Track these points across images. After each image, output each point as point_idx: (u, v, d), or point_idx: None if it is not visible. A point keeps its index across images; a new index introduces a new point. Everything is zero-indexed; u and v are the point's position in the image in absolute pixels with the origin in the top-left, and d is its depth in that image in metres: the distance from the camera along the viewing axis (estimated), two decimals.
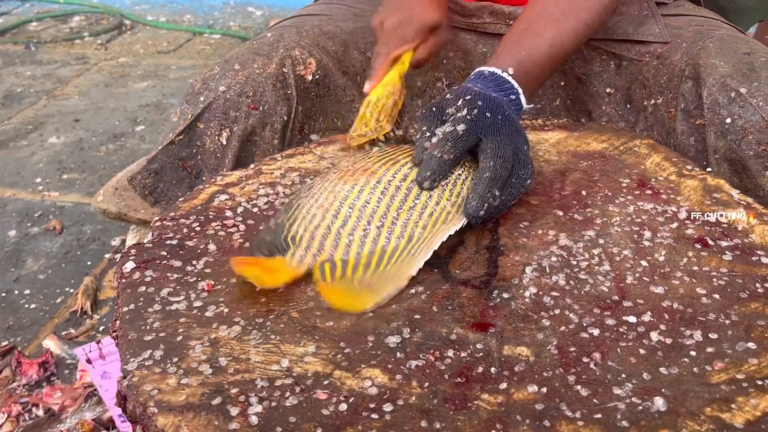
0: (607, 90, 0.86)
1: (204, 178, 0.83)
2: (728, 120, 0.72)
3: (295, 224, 0.61)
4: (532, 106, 0.72)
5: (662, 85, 0.81)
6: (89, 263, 1.40)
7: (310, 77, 0.84)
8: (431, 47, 0.80)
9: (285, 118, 0.82)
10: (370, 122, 0.74)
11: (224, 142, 0.81)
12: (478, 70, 0.70)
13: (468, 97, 0.63)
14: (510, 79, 0.68)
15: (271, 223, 0.64)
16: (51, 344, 1.16)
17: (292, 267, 0.58)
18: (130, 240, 0.94)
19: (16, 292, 1.32)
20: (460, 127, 0.61)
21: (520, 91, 0.69)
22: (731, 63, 0.74)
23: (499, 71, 0.68)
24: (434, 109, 0.64)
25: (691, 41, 0.80)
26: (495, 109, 0.63)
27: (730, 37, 0.79)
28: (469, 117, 0.61)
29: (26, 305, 1.29)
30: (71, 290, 1.32)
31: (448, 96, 0.64)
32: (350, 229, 0.59)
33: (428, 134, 0.63)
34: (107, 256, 1.42)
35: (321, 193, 0.63)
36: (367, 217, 0.60)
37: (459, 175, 0.63)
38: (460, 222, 0.60)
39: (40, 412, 1.03)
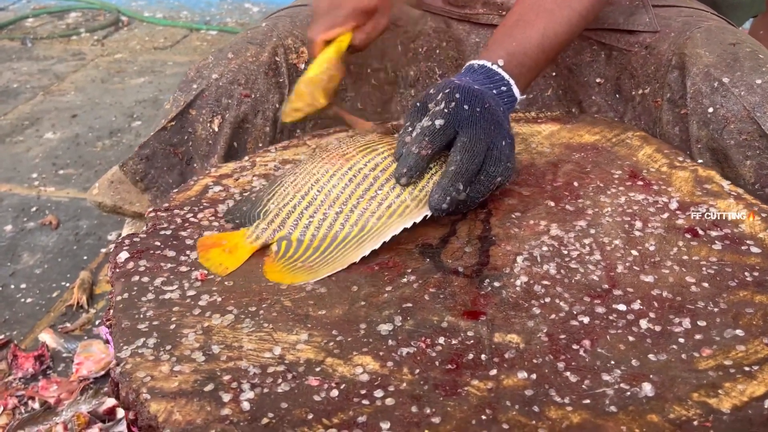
0: (597, 80, 0.87)
1: (195, 165, 0.83)
2: (710, 109, 0.72)
3: (271, 200, 0.63)
4: (525, 97, 0.72)
5: (650, 75, 0.82)
6: (85, 258, 1.40)
7: (302, 65, 0.84)
8: (368, 32, 0.78)
9: (277, 105, 0.83)
10: (305, 97, 0.73)
11: (216, 129, 0.81)
12: (468, 63, 0.70)
13: (447, 91, 0.62)
14: (500, 70, 0.68)
15: (252, 194, 0.66)
16: (47, 338, 1.16)
17: (251, 241, 0.61)
18: (126, 233, 0.95)
19: (12, 286, 1.32)
20: (438, 122, 0.60)
21: (512, 82, 0.68)
22: (716, 53, 0.74)
23: (488, 64, 0.68)
24: (418, 104, 0.64)
25: (678, 31, 0.81)
26: (473, 102, 0.62)
27: (718, 28, 0.79)
28: (446, 111, 0.61)
29: (22, 299, 1.29)
30: (67, 284, 1.32)
31: (431, 91, 0.64)
32: (313, 210, 0.61)
33: (410, 129, 0.63)
34: (103, 250, 1.42)
35: (301, 174, 0.64)
36: (330, 201, 0.61)
37: (428, 168, 0.62)
38: (419, 216, 0.60)
39: (36, 405, 1.03)
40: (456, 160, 0.59)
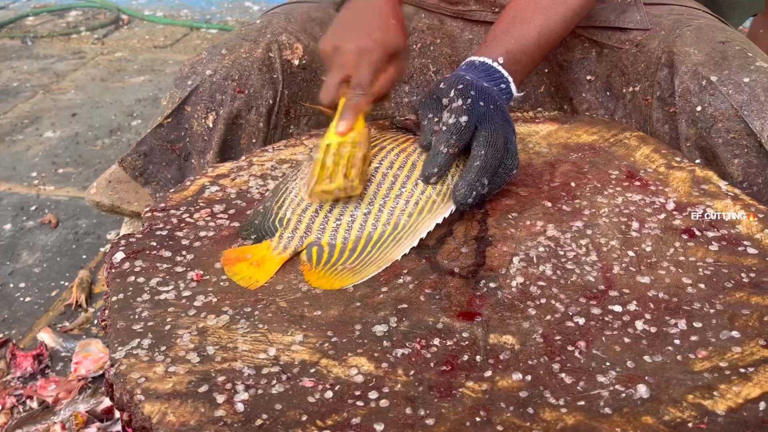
0: (588, 77, 0.87)
1: (193, 161, 0.83)
2: (699, 108, 0.72)
3: (283, 208, 0.62)
4: (521, 93, 0.72)
5: (640, 72, 0.81)
6: (84, 257, 1.40)
7: (296, 62, 0.84)
8: (391, 78, 0.69)
9: (270, 102, 0.83)
10: (336, 177, 0.60)
11: (210, 125, 0.81)
12: (468, 59, 0.70)
13: (460, 87, 0.63)
14: (500, 68, 0.69)
15: (258, 207, 0.65)
16: (45, 337, 1.16)
17: (278, 251, 0.59)
18: (124, 232, 0.94)
19: (11, 285, 1.32)
20: (463, 119, 0.61)
21: (510, 80, 0.69)
22: (705, 51, 0.74)
23: (489, 61, 0.69)
24: (434, 96, 0.65)
25: (669, 29, 0.80)
26: (487, 99, 0.63)
27: (708, 26, 0.79)
28: (465, 107, 0.61)
29: (21, 298, 1.29)
30: (66, 283, 1.32)
31: (441, 86, 0.64)
32: (338, 213, 0.60)
33: (436, 119, 0.63)
34: (102, 249, 1.42)
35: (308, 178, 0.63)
36: (354, 202, 0.60)
37: None
38: (447, 211, 0.61)
39: (35, 405, 1.03)
40: (480, 155, 0.60)
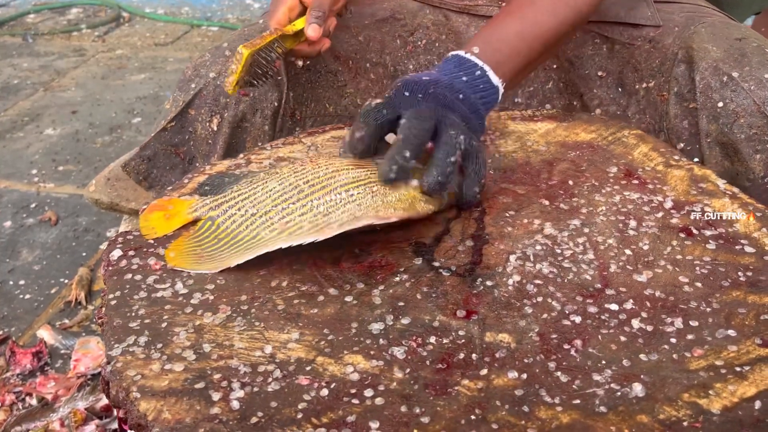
0: (599, 73, 0.87)
1: (197, 164, 0.83)
2: (720, 104, 0.73)
3: (236, 185, 0.64)
4: (505, 84, 0.69)
5: (654, 68, 0.82)
6: (84, 254, 1.40)
7: (300, 63, 0.84)
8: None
9: (276, 104, 0.82)
10: (236, 56, 0.72)
11: (215, 129, 0.81)
12: (446, 56, 0.70)
13: (396, 83, 0.65)
14: (472, 57, 0.68)
15: (231, 177, 0.67)
16: (45, 334, 1.16)
17: (189, 212, 0.63)
18: (123, 230, 0.94)
19: (11, 282, 1.32)
20: (375, 102, 0.62)
21: (487, 68, 0.67)
22: (723, 48, 0.75)
23: (462, 53, 0.68)
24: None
25: (683, 26, 0.81)
26: (415, 89, 0.63)
27: (722, 23, 0.79)
28: (386, 95, 0.63)
29: (21, 295, 1.29)
30: (66, 281, 1.32)
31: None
32: (242, 203, 0.61)
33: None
34: (102, 247, 1.42)
35: (271, 177, 0.63)
36: (272, 199, 0.60)
37: (351, 196, 0.59)
38: (337, 230, 0.56)
39: (34, 402, 1.03)
40: (405, 127, 0.60)
